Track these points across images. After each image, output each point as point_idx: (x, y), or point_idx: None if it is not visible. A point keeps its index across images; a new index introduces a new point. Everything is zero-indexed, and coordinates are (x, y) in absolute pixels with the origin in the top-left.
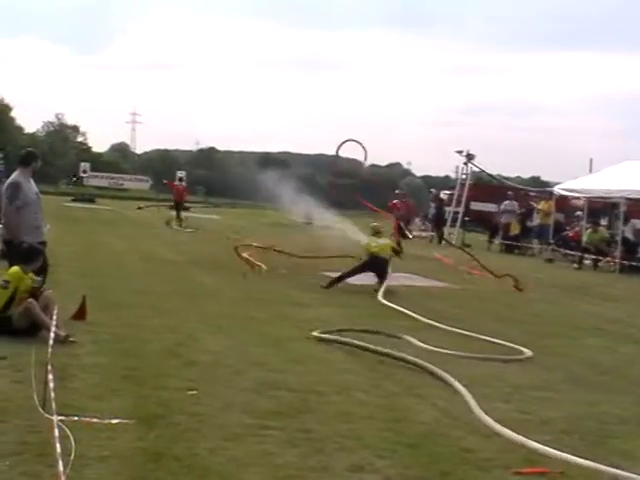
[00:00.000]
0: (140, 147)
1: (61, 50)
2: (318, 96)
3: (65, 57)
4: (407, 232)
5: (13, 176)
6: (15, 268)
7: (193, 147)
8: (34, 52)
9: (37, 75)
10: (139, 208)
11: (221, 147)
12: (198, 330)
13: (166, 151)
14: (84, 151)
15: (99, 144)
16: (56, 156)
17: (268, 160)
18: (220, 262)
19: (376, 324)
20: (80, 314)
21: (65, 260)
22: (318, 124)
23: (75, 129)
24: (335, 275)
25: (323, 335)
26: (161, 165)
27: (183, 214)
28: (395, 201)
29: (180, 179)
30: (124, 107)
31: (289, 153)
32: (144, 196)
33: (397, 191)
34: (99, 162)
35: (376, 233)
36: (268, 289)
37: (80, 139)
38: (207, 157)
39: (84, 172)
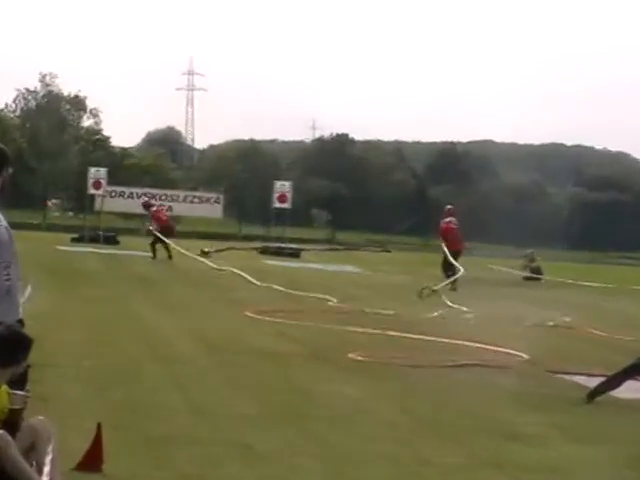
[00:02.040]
0: (202, 138)
1: None
2: None
3: None
4: None
5: None
6: None
7: (305, 135)
8: None
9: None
10: (203, 253)
11: (355, 135)
12: None
13: (252, 142)
14: (96, 145)
15: (124, 133)
16: (42, 156)
17: (457, 156)
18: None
19: None
20: (92, 458)
21: (66, 356)
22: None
23: (78, 102)
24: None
25: None
26: (242, 168)
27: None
28: None
29: (281, 197)
30: (170, 66)
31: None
32: (213, 231)
33: None
34: (125, 167)
35: None
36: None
37: (88, 123)
38: (337, 151)
39: (96, 187)
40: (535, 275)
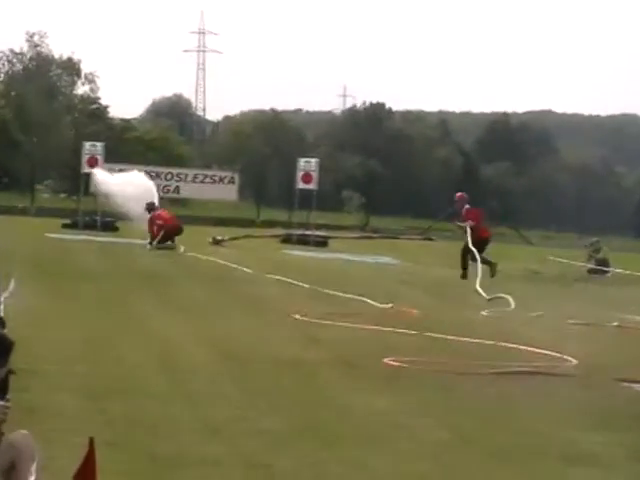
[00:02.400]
0: (216, 108)
1: None
2: None
3: None
4: None
5: None
6: None
7: (334, 105)
8: None
9: None
10: (215, 242)
11: (393, 105)
12: None
13: (273, 113)
14: (92, 116)
15: (124, 102)
16: (30, 128)
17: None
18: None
19: None
20: (84, 479)
21: (56, 361)
22: None
23: (71, 66)
24: None
25: None
26: (261, 142)
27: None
28: None
29: (306, 177)
30: (177, 23)
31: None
32: (228, 216)
33: None
34: (126, 142)
35: None
36: None
37: (83, 90)
38: (371, 123)
39: (91, 164)
40: (601, 267)
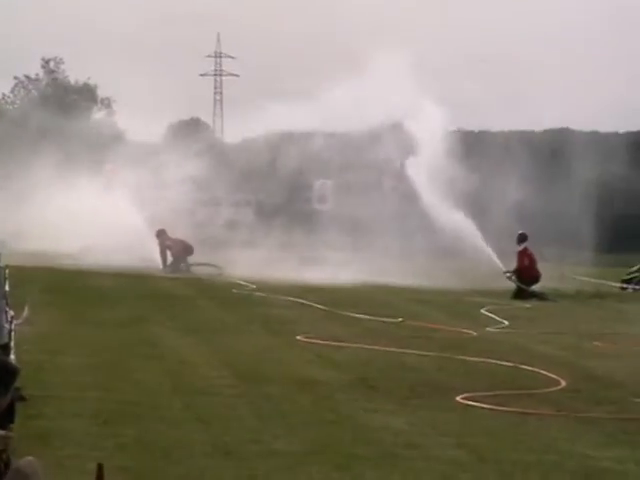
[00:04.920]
0: (232, 131)
1: None
2: None
3: None
4: None
5: None
6: None
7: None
8: None
9: None
10: None
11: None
12: None
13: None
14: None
15: (142, 126)
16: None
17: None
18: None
19: None
20: None
21: (70, 386)
22: None
23: (87, 92)
24: None
25: None
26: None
27: None
28: None
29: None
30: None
31: None
32: (245, 239)
33: None
34: (141, 164)
35: None
36: None
37: (99, 115)
38: None
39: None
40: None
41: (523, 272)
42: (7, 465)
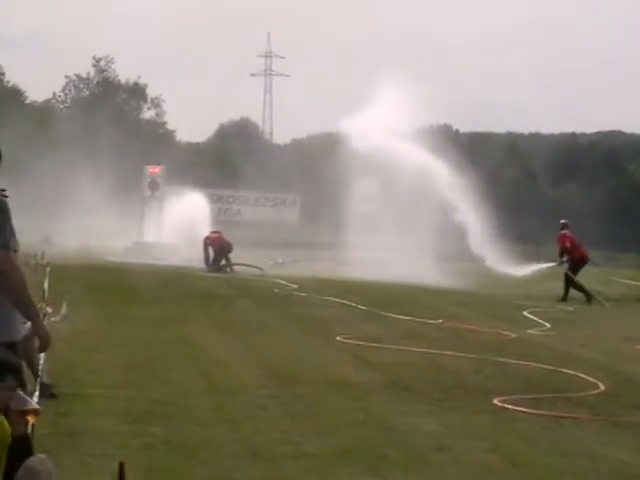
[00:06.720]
0: (282, 131)
1: None
2: None
3: None
4: None
5: None
6: None
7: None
8: None
9: None
10: (275, 264)
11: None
12: None
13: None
14: (159, 141)
15: (192, 126)
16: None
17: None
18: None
19: None
20: None
21: (100, 385)
22: None
23: (137, 91)
24: None
25: None
26: (327, 164)
27: None
28: None
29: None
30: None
31: None
32: (289, 239)
33: None
34: (190, 164)
35: None
36: None
37: (149, 114)
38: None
39: (151, 188)
40: None
41: (570, 254)
42: (26, 446)
